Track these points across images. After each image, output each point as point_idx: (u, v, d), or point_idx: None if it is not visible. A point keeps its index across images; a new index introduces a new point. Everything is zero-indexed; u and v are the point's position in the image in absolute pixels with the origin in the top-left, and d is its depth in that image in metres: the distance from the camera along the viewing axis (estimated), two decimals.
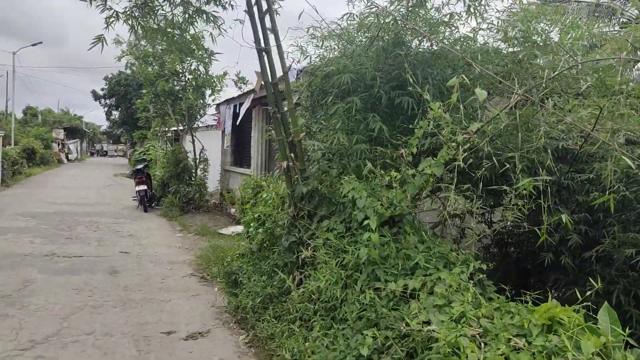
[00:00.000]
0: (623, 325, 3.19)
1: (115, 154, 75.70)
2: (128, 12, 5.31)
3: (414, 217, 4.72)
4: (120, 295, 6.73)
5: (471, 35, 5.44)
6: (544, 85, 4.18)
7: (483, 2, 5.24)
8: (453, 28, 5.45)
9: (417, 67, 5.07)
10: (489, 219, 5.93)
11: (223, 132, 16.14)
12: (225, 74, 14.53)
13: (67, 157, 48.34)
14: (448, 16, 5.39)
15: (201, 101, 15.77)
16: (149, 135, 25.48)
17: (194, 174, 15.82)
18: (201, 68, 14.38)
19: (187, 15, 5.57)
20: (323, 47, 6.08)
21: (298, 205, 5.56)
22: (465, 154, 4.17)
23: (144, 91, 16.96)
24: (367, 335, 3.82)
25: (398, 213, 4.49)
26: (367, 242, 4.33)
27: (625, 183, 4.35)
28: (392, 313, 3.89)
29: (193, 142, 15.86)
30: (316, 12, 5.68)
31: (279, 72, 5.67)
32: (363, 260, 4.27)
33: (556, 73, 4.08)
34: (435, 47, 5.46)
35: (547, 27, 5.36)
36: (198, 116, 16.43)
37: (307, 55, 6.13)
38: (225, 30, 5.77)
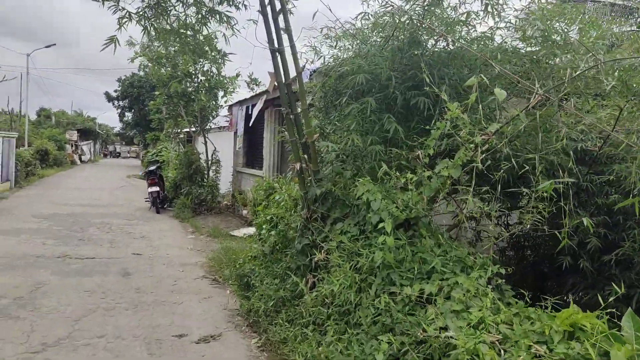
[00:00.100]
0: None
1: (128, 155, 76.19)
2: (141, 13, 5.28)
3: (430, 220, 4.62)
4: (133, 297, 6.69)
5: (489, 34, 5.34)
6: (565, 84, 4.06)
7: (501, 1, 5.13)
8: (470, 27, 5.35)
9: (433, 67, 4.98)
10: (505, 222, 5.82)
11: (235, 133, 16.12)
12: (237, 75, 14.54)
13: (80, 159, 48.69)
14: (465, 15, 5.29)
15: (213, 102, 15.76)
16: (161, 136, 25.56)
17: (206, 176, 15.82)
18: (214, 69, 14.37)
19: (200, 16, 5.52)
20: (337, 48, 6.02)
21: (311, 207, 5.49)
22: (482, 156, 4.08)
23: (156, 93, 17.00)
24: (382, 340, 3.73)
25: (414, 216, 4.40)
26: (381, 246, 4.25)
27: None
28: (408, 318, 3.80)
29: (205, 143, 15.86)
30: (330, 12, 5.61)
31: (293, 73, 5.61)
32: (378, 264, 4.18)
33: (578, 72, 3.97)
34: (451, 47, 5.38)
35: (566, 27, 5.25)
36: (210, 117, 16.43)
37: (321, 56, 6.08)
38: (238, 31, 5.72)
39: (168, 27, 5.55)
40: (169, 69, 15.05)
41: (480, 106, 3.96)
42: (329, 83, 5.84)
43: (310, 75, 7.67)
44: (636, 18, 13.28)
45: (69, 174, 31.80)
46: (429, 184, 4.34)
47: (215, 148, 15.84)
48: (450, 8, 5.42)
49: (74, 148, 47.75)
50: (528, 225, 4.15)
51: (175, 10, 5.48)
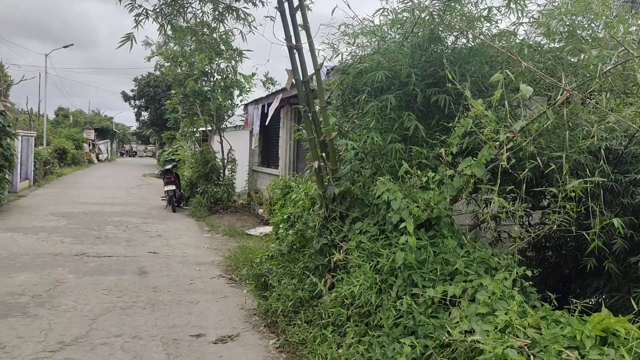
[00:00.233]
0: None
1: (144, 154, 76.80)
2: (157, 10, 5.23)
3: (453, 220, 4.51)
4: (149, 296, 6.67)
5: (511, 30, 5.21)
6: (597, 80, 3.92)
7: None
8: (492, 23, 5.22)
9: (454, 64, 4.87)
10: (526, 222, 5.69)
11: (251, 132, 16.10)
12: (253, 74, 14.49)
13: (97, 158, 49.14)
14: (487, 10, 5.16)
15: (229, 102, 15.75)
16: (177, 135, 25.64)
17: (221, 175, 15.81)
18: (230, 68, 14.35)
19: (217, 13, 5.46)
20: (355, 45, 5.93)
21: (329, 206, 5.41)
22: (506, 154, 3.97)
23: (172, 92, 17.04)
24: (404, 343, 3.64)
25: (435, 215, 4.29)
26: (402, 246, 4.16)
27: None
28: (431, 321, 3.71)
29: (221, 142, 15.85)
30: (349, 8, 5.51)
31: (310, 70, 5.53)
32: (399, 265, 4.09)
33: (610, 67, 3.82)
34: (471, 43, 5.26)
35: (592, 22, 5.10)
36: (226, 117, 16.42)
37: (339, 53, 5.99)
38: (255, 28, 5.65)
39: (185, 24, 5.50)
40: (184, 68, 15.07)
41: (506, 103, 3.83)
42: (347, 80, 5.74)
43: (328, 73, 7.58)
44: None
45: (87, 173, 32.09)
46: (451, 184, 4.23)
47: (230, 147, 15.83)
48: (471, 3, 5.31)
49: (91, 147, 48.20)
50: (555, 226, 4.01)
51: (192, 7, 5.43)
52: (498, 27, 5.31)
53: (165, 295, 6.75)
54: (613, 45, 4.50)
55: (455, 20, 5.02)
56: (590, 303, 5.13)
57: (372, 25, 5.70)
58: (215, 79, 15.12)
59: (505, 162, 3.75)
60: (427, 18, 5.09)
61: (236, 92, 15.57)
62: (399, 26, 5.52)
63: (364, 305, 4.24)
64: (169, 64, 15.53)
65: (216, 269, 8.40)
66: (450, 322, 3.55)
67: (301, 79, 5.45)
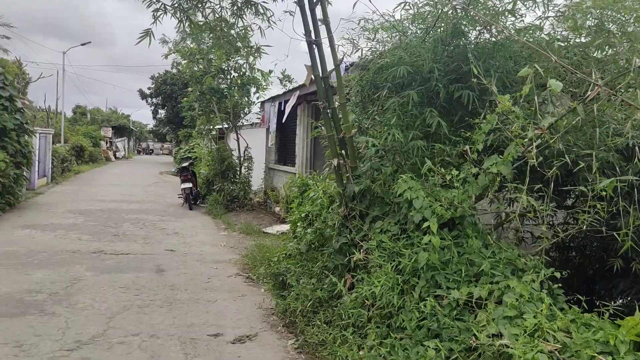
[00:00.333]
0: None
1: (161, 152, 77.36)
2: (176, 5, 5.17)
3: (477, 220, 4.39)
4: (167, 294, 6.63)
5: (537, 24, 5.06)
6: (631, 74, 3.77)
7: None
8: (517, 17, 5.08)
9: (478, 59, 4.74)
10: (550, 222, 5.54)
11: (267, 130, 16.05)
12: (270, 71, 14.42)
13: (114, 155, 49.55)
14: (511, 4, 5.02)
15: (246, 99, 15.71)
16: (193, 133, 25.73)
17: (238, 172, 15.78)
18: (246, 66, 14.31)
19: (235, 8, 5.38)
20: (375, 40, 5.82)
21: (349, 205, 5.31)
22: (534, 151, 3.84)
23: (189, 89, 17.05)
24: (428, 346, 3.53)
25: (459, 215, 4.17)
26: (425, 246, 4.05)
27: None
28: (455, 323, 3.60)
29: (237, 140, 15.83)
30: (369, 1, 5.40)
31: (330, 66, 5.44)
32: (422, 265, 3.98)
33: None
34: (495, 38, 5.12)
35: (622, 15, 4.93)
36: (242, 114, 16.39)
37: (358, 48, 5.89)
38: (274, 23, 5.57)
39: (203, 19, 5.43)
40: (201, 66, 15.05)
41: (535, 98, 3.70)
42: (367, 76, 5.64)
43: (347, 69, 7.47)
44: None
45: (104, 170, 32.36)
46: (475, 182, 4.11)
47: (247, 144, 15.80)
48: None
49: (108, 145, 48.61)
50: (584, 226, 3.87)
51: (211, 2, 5.36)
52: (523, 21, 5.17)
53: (182, 294, 6.71)
54: None
55: (479, 13, 4.88)
56: (617, 305, 4.98)
57: (393, 19, 5.60)
58: (232, 76, 15.08)
59: (534, 160, 3.61)
60: (450, 12, 4.97)
61: (253, 90, 15.53)
62: (421, 21, 5.40)
63: (386, 306, 4.13)
64: (186, 61, 15.52)
65: (233, 267, 8.35)
66: (477, 325, 3.43)
67: (320, 74, 5.35)
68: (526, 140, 3.71)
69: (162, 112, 49.80)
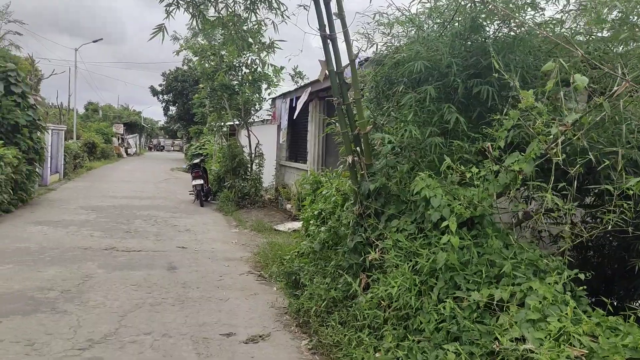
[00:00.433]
0: None
1: (172, 148, 77.60)
2: (189, 0, 5.08)
3: (499, 218, 4.26)
4: (179, 292, 6.57)
5: (558, 18, 4.91)
6: None
7: None
8: (537, 11, 4.94)
9: (497, 53, 4.60)
10: (569, 220, 5.39)
11: (279, 126, 15.96)
12: (282, 68, 14.32)
13: (126, 152, 49.75)
14: None
15: (257, 95, 15.62)
16: (204, 130, 25.71)
17: (249, 169, 15.71)
18: (258, 62, 14.23)
19: (249, 2, 5.28)
20: (390, 34, 5.70)
21: (364, 202, 5.20)
22: (556, 148, 3.71)
23: (200, 86, 17.00)
24: (448, 350, 3.42)
25: (479, 214, 4.05)
26: (444, 246, 3.94)
27: None
28: (476, 326, 3.48)
29: (249, 136, 15.76)
30: None
31: (344, 61, 5.33)
32: (440, 266, 3.86)
33: None
34: (514, 32, 4.99)
35: None
36: (253, 110, 16.32)
37: (373, 43, 5.77)
38: (288, 17, 5.46)
39: (216, 14, 5.33)
40: (213, 63, 14.98)
41: (562, 94, 3.57)
42: (382, 72, 5.52)
43: (361, 64, 7.36)
44: None
45: (116, 167, 32.48)
46: (495, 180, 3.99)
47: (258, 141, 15.72)
48: None
49: (120, 141, 48.82)
50: (610, 226, 3.74)
51: None
52: (543, 15, 5.04)
53: (194, 292, 6.65)
54: None
55: (499, 7, 4.75)
56: (636, 305, 4.85)
57: (409, 13, 5.48)
58: (243, 72, 15.01)
59: (560, 158, 3.49)
60: (468, 6, 4.84)
61: (264, 86, 15.45)
62: (438, 14, 5.28)
63: (403, 307, 4.02)
64: (198, 57, 15.47)
65: (245, 265, 8.28)
66: (499, 328, 3.32)
67: (335, 70, 5.24)
68: (550, 137, 3.57)
69: (173, 109, 49.96)
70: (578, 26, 4.88)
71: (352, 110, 5.38)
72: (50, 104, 33.52)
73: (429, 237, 4.30)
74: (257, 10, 5.43)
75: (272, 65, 13.85)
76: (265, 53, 9.88)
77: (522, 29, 4.84)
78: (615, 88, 3.58)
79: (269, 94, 15.82)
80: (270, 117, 17.22)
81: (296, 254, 6.80)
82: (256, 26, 5.59)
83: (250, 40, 6.42)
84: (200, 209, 15.03)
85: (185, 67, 43.24)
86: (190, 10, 5.12)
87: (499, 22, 5.05)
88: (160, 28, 5.05)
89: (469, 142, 4.59)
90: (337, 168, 8.66)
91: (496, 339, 3.28)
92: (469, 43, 5.02)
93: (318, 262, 5.98)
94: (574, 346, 3.00)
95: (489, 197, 3.96)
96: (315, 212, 6.74)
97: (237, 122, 16.67)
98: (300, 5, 5.23)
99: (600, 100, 3.53)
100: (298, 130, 15.46)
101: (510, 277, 3.65)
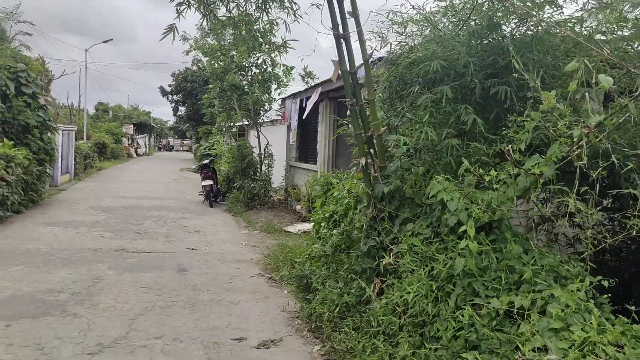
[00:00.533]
0: None
1: (181, 148, 77.92)
2: None
3: (519, 223, 4.15)
4: (189, 295, 6.50)
5: (578, 16, 4.78)
6: None
7: None
8: (557, 9, 4.81)
9: (516, 53, 4.49)
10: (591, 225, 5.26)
11: (288, 127, 15.89)
12: (292, 68, 14.24)
13: (136, 152, 49.92)
14: None
15: (267, 95, 15.55)
16: (213, 130, 25.69)
17: (258, 170, 15.65)
18: (268, 62, 14.15)
19: (260, 1, 5.20)
20: (404, 34, 5.60)
21: (378, 205, 5.10)
22: (577, 151, 3.59)
23: (210, 86, 16.95)
24: (467, 359, 3.32)
25: (497, 218, 3.94)
26: (461, 251, 3.82)
27: None
28: (496, 334, 3.37)
29: (258, 137, 15.70)
30: None
31: (358, 61, 5.23)
32: (458, 272, 3.75)
33: None
34: (532, 31, 4.87)
35: None
36: (262, 111, 16.24)
37: (387, 43, 5.67)
38: (300, 17, 5.37)
39: (227, 14, 5.25)
40: (222, 63, 14.92)
41: (587, 95, 3.45)
42: (396, 71, 5.42)
43: (374, 64, 7.25)
44: None
45: (125, 167, 32.57)
46: (514, 183, 3.87)
47: (267, 142, 15.66)
48: None
49: (130, 141, 48.98)
50: (634, 231, 3.61)
51: None
52: (562, 13, 4.91)
53: (204, 294, 6.57)
54: None
55: (518, 5, 4.63)
56: None
57: (424, 12, 5.37)
58: (253, 72, 14.94)
59: (585, 160, 3.37)
60: (485, 3, 4.73)
61: (274, 86, 15.37)
62: (453, 13, 5.17)
63: (419, 314, 3.92)
64: (208, 58, 15.42)
65: (255, 267, 8.20)
66: (520, 337, 3.21)
67: (348, 70, 5.15)
68: (574, 139, 3.46)
69: (182, 109, 50.09)
70: (600, 24, 4.74)
71: (366, 111, 5.28)
72: (61, 104, 33.67)
73: (445, 242, 4.19)
74: (269, 10, 5.34)
75: (283, 65, 13.77)
76: (276, 53, 9.80)
77: (540, 27, 4.72)
78: None
79: (278, 94, 15.77)
80: (279, 118, 17.14)
81: (307, 256, 6.70)
82: (268, 26, 5.49)
83: (261, 40, 6.35)
84: (209, 209, 14.99)
85: (195, 68, 43.34)
86: (202, 10, 5.05)
87: (516, 20, 4.94)
88: (171, 28, 4.98)
89: (486, 144, 4.48)
90: (348, 169, 8.56)
91: (517, 348, 3.17)
92: (486, 42, 4.91)
93: (330, 265, 5.88)
94: (599, 357, 2.89)
95: (508, 201, 3.85)
96: (327, 215, 6.63)
97: (247, 123, 16.61)
98: (313, 4, 5.14)
99: (627, 102, 3.41)
100: (308, 130, 15.37)
101: (530, 284, 3.54)
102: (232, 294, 6.70)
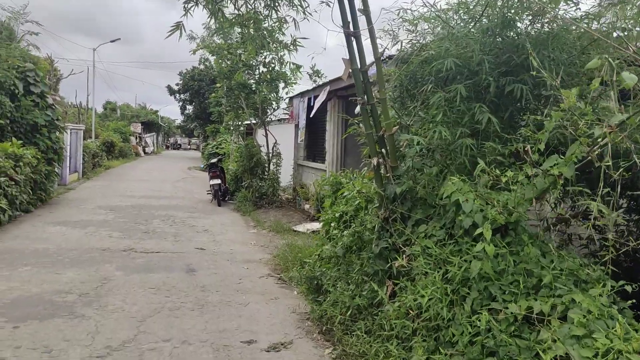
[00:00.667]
0: None
1: (189, 147, 78.13)
2: None
3: (540, 225, 4.04)
4: (198, 296, 6.43)
5: (595, 12, 4.66)
6: None
7: None
8: (572, 4, 4.69)
9: (532, 50, 4.37)
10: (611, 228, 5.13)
11: (296, 126, 15.81)
12: (299, 67, 14.15)
13: (144, 150, 50.04)
14: None
15: (274, 94, 15.48)
16: (221, 129, 25.65)
17: (267, 169, 15.58)
18: (275, 60, 14.08)
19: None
20: (416, 32, 5.50)
21: (389, 206, 5.00)
22: (598, 151, 3.49)
23: (217, 85, 16.89)
24: None
25: (514, 220, 3.83)
26: (477, 253, 3.72)
27: None
28: (514, 341, 3.27)
29: (266, 136, 15.63)
30: None
31: (369, 59, 5.13)
32: (473, 275, 3.65)
33: None
34: (547, 28, 4.75)
35: None
36: (269, 110, 16.17)
37: (398, 41, 5.57)
38: (310, 14, 5.28)
39: (236, 11, 5.17)
40: (229, 62, 14.86)
41: (612, 93, 3.34)
42: (408, 70, 5.32)
43: (384, 62, 7.15)
44: None
45: (134, 166, 32.62)
46: (531, 184, 3.76)
47: (275, 141, 15.59)
48: None
49: (138, 140, 49.11)
50: None
51: None
52: (579, 9, 4.79)
53: (213, 296, 6.50)
54: None
55: (532, 0, 4.51)
56: None
57: (435, 9, 5.27)
58: (260, 71, 14.87)
59: (609, 161, 3.26)
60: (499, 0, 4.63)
61: (281, 85, 15.30)
62: (465, 10, 5.06)
63: (433, 318, 3.83)
64: (215, 57, 15.36)
65: (264, 268, 8.13)
66: (540, 344, 3.11)
67: (359, 68, 5.05)
68: (597, 139, 3.34)
69: (190, 108, 50.05)
70: (618, 20, 4.62)
71: (377, 110, 5.18)
72: (69, 104, 33.73)
73: (459, 244, 4.09)
74: (278, 8, 5.25)
75: (294, 63, 13.67)
76: (284, 52, 9.71)
77: (555, 24, 4.61)
78: None
79: (286, 93, 15.69)
80: (287, 116, 17.07)
81: (317, 257, 6.61)
82: (276, 24, 5.40)
83: (268, 39, 6.27)
84: (217, 208, 14.94)
85: (202, 67, 43.33)
86: (209, 7, 4.97)
87: (530, 17, 4.83)
88: (178, 25, 4.90)
89: (501, 144, 4.37)
90: (356, 168, 8.46)
91: (537, 355, 3.07)
92: (499, 39, 4.80)
93: (341, 267, 5.79)
94: None
95: (526, 202, 3.74)
96: (337, 215, 6.54)
97: (254, 121, 16.55)
98: (323, 2, 5.05)
99: None
100: (316, 129, 15.28)
101: (549, 288, 3.43)
102: (241, 295, 6.63)
